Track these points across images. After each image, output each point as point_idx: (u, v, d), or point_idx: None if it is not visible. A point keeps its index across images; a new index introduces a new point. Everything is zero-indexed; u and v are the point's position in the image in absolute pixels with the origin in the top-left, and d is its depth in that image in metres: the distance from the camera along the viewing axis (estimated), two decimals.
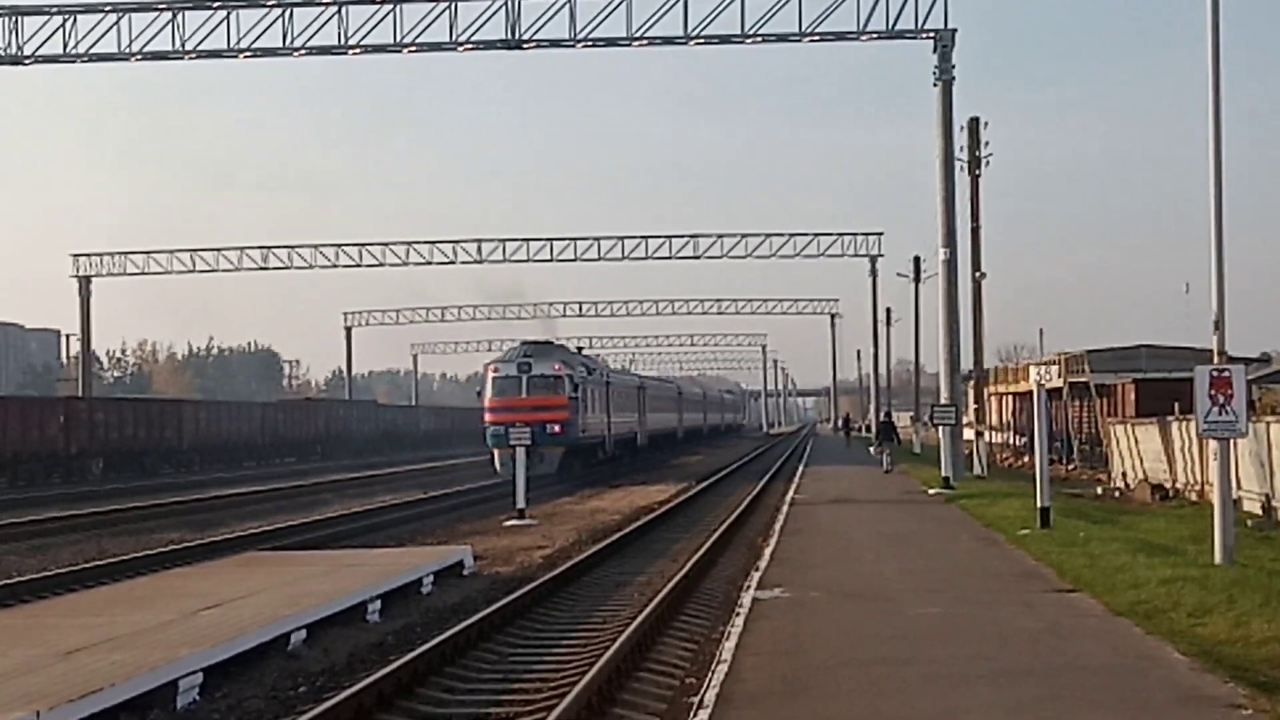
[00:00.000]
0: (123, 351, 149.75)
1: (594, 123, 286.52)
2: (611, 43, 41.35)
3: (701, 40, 40.95)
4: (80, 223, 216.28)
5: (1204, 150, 18.48)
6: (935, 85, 38.96)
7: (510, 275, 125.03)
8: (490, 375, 48.11)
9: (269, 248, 79.09)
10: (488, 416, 46.65)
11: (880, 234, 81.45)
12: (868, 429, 54.92)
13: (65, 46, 41.57)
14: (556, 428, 46.23)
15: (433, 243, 79.68)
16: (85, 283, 75.84)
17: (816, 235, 79.23)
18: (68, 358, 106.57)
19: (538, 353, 48.93)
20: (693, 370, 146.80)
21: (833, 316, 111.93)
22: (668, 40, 41.16)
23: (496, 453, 45.20)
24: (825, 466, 50.09)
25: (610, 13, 40.25)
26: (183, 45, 41.39)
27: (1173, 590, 14.66)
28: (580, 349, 62.79)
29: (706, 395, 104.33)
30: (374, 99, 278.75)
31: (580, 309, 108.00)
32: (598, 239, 78.99)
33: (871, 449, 52.57)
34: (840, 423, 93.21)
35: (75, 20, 41.46)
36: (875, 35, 39.88)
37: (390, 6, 40.77)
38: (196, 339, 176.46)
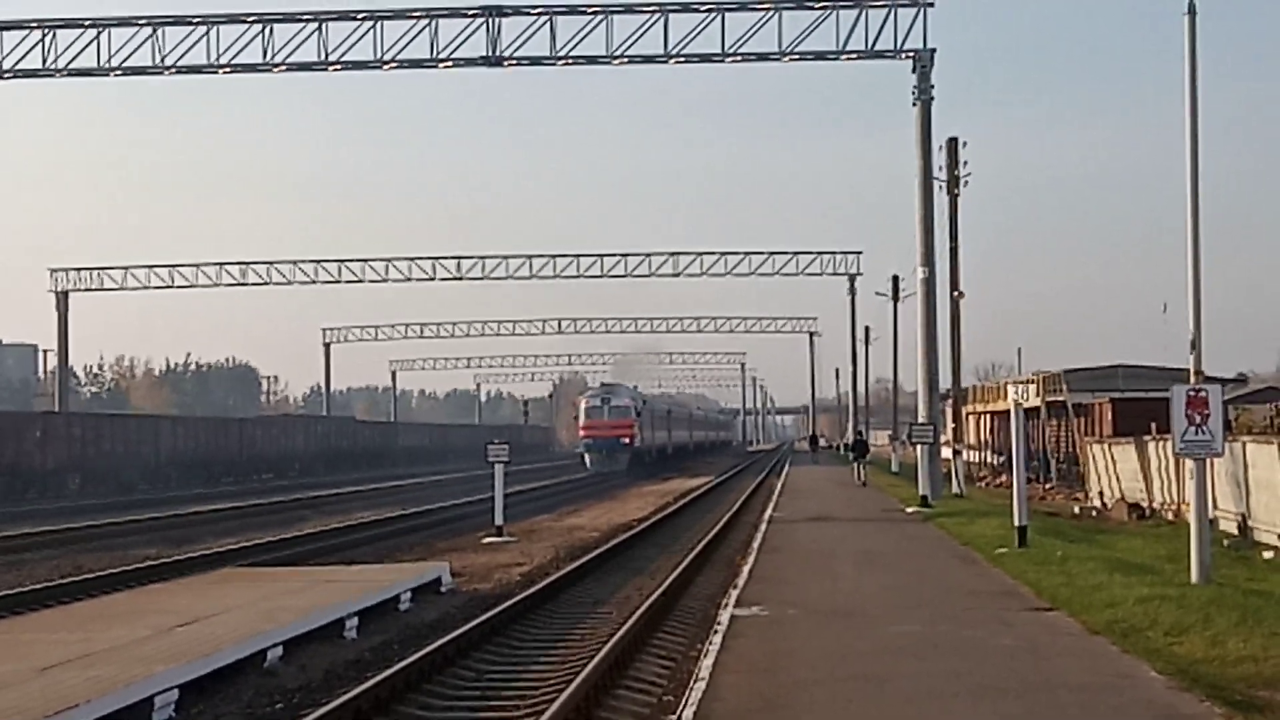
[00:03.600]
0: (100, 367, 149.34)
1: (573, 139, 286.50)
2: (592, 61, 41.43)
3: (681, 59, 41.05)
4: (57, 237, 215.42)
5: (1182, 170, 18.63)
6: (914, 105, 39.07)
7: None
8: (583, 405, 73.79)
9: (247, 263, 79.19)
10: (582, 432, 72.81)
11: (859, 253, 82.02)
12: (846, 447, 56.31)
13: (45, 61, 41.44)
14: (626, 440, 70.43)
15: (412, 259, 79.97)
16: (63, 297, 75.68)
17: (796, 254, 79.69)
18: (45, 373, 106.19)
19: (613, 391, 74.71)
20: (672, 388, 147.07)
21: (811, 335, 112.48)
22: (648, 59, 41.26)
23: (588, 455, 71.17)
24: (803, 482, 50.21)
25: (590, 31, 40.36)
26: (162, 60, 41.32)
27: (1149, 609, 14.70)
28: (635, 390, 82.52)
29: (707, 416, 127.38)
30: (355, 114, 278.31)
31: (559, 326, 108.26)
32: (577, 256, 79.32)
33: (850, 459, 57.80)
34: (809, 440, 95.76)
35: (55, 35, 41.34)
36: (855, 55, 40.00)
37: (370, 24, 40.82)
38: (174, 354, 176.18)
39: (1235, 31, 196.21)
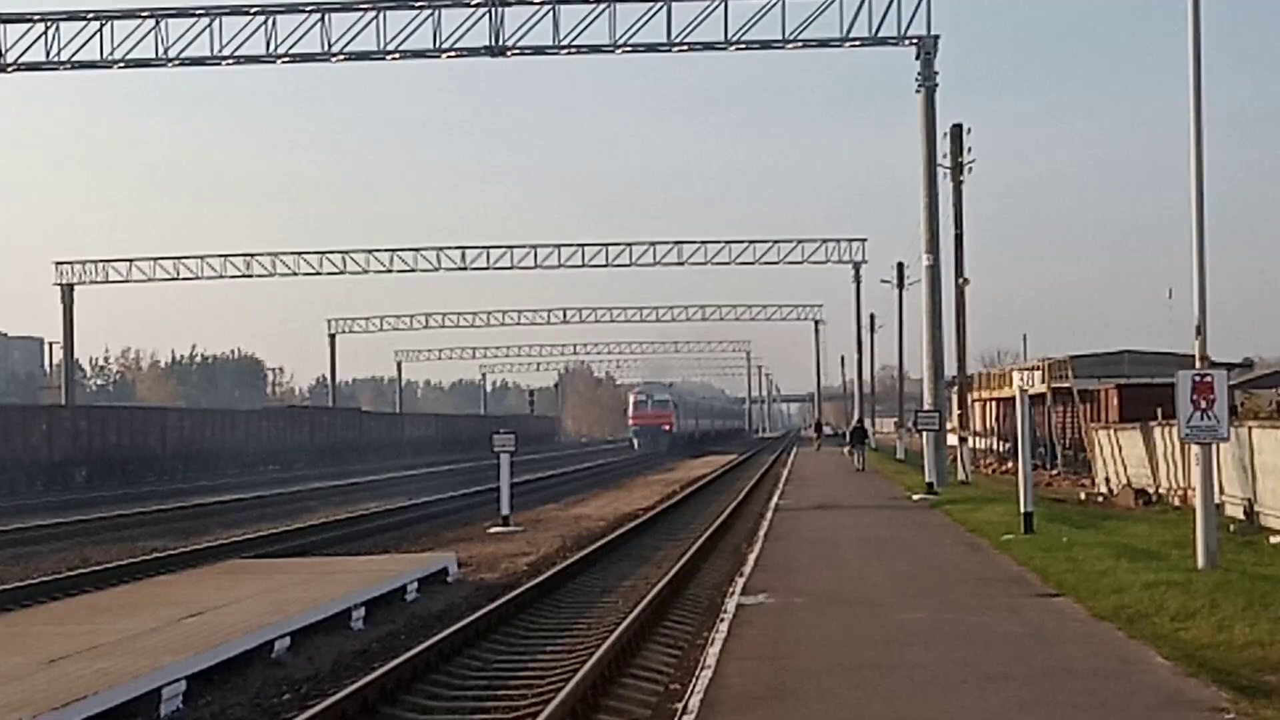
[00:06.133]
0: (106, 359, 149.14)
1: (578, 128, 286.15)
2: (595, 49, 41.40)
3: (685, 47, 41.05)
4: (63, 230, 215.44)
5: (1187, 156, 18.58)
6: (918, 92, 39.03)
7: None
8: (632, 399, 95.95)
9: (252, 255, 79.22)
10: (631, 421, 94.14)
11: (864, 240, 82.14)
12: (851, 435, 56.92)
13: (48, 54, 41.50)
14: (666, 427, 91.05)
15: (416, 249, 79.91)
16: (68, 290, 75.73)
17: (800, 241, 79.70)
18: (51, 366, 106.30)
19: (655, 388, 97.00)
20: (675, 377, 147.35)
21: (817, 323, 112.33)
22: (651, 47, 41.25)
23: (635, 440, 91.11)
24: (809, 470, 50.26)
25: (594, 19, 40.35)
26: (165, 52, 41.37)
27: (1156, 595, 14.70)
28: (671, 387, 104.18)
29: (725, 407, 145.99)
30: (359, 105, 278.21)
31: (564, 315, 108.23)
32: (582, 245, 79.28)
33: (844, 450, 60.09)
34: (813, 427, 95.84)
35: (58, 28, 41.39)
36: (858, 42, 39.99)
37: (373, 14, 40.82)
38: (180, 346, 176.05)
39: (1242, 21, 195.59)
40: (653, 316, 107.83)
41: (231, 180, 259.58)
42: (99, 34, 41.31)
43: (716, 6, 40.14)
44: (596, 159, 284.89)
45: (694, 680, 11.19)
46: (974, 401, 63.85)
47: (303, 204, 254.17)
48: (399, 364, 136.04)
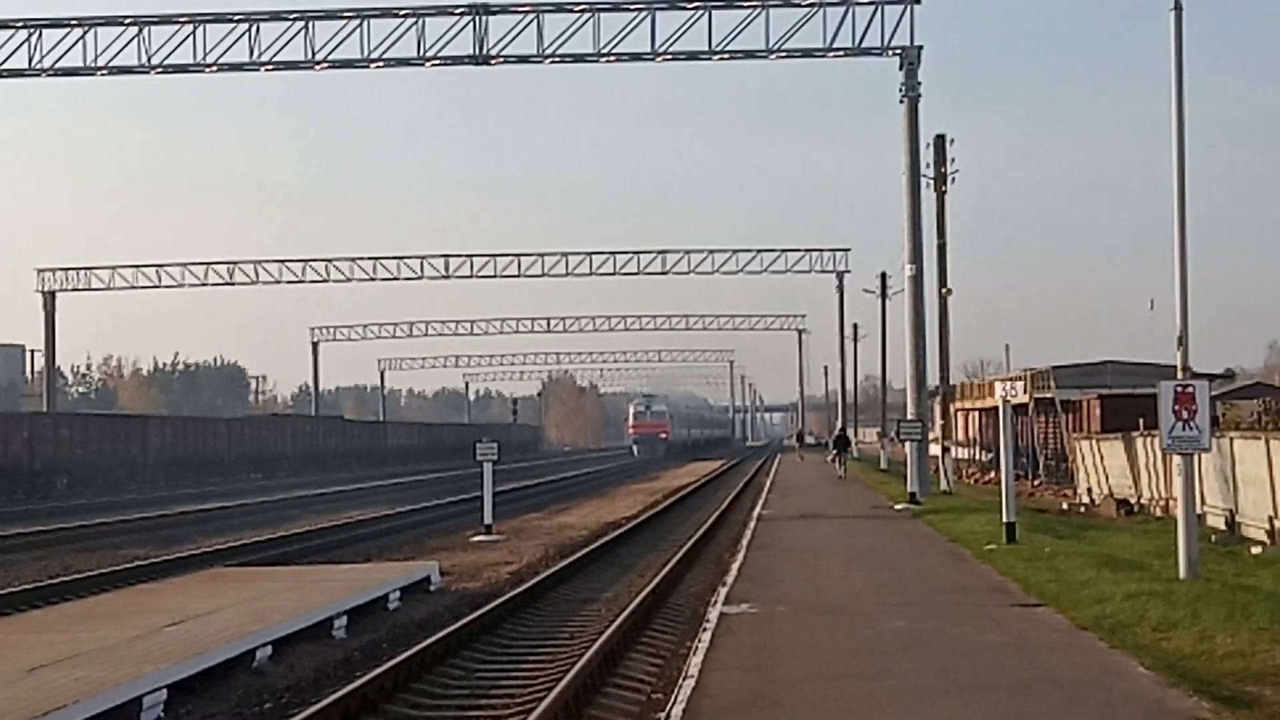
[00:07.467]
0: (88, 367, 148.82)
1: (561, 138, 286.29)
2: (579, 59, 41.42)
3: (669, 56, 41.04)
4: (45, 237, 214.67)
5: (1169, 167, 18.64)
6: (901, 102, 39.09)
7: None
8: (632, 410, 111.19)
9: (235, 263, 78.99)
10: (630, 430, 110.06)
11: (847, 250, 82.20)
12: (834, 444, 57.57)
13: (31, 61, 41.34)
14: (663, 435, 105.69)
15: (400, 258, 79.79)
16: (50, 297, 75.45)
17: (784, 251, 79.73)
18: (32, 373, 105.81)
19: (653, 400, 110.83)
20: (663, 389, 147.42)
21: (800, 333, 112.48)
22: (635, 56, 41.24)
23: (635, 446, 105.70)
24: (792, 479, 50.27)
25: (578, 29, 40.34)
26: (149, 60, 41.25)
27: (1137, 605, 14.71)
28: (667, 398, 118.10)
29: (714, 418, 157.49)
30: (343, 114, 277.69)
31: (548, 324, 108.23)
32: (565, 254, 79.23)
33: (827, 459, 61.84)
34: (795, 437, 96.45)
35: (41, 35, 41.24)
36: (842, 52, 40.01)
37: (357, 22, 40.76)
38: (162, 354, 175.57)
39: (1226, 31, 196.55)
40: (636, 326, 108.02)
41: (215, 188, 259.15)
42: (82, 41, 41.19)
43: (700, 17, 40.17)
44: (579, 168, 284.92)
45: (676, 690, 11.18)
46: (957, 411, 63.97)
47: (286, 212, 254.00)
48: (382, 372, 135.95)
